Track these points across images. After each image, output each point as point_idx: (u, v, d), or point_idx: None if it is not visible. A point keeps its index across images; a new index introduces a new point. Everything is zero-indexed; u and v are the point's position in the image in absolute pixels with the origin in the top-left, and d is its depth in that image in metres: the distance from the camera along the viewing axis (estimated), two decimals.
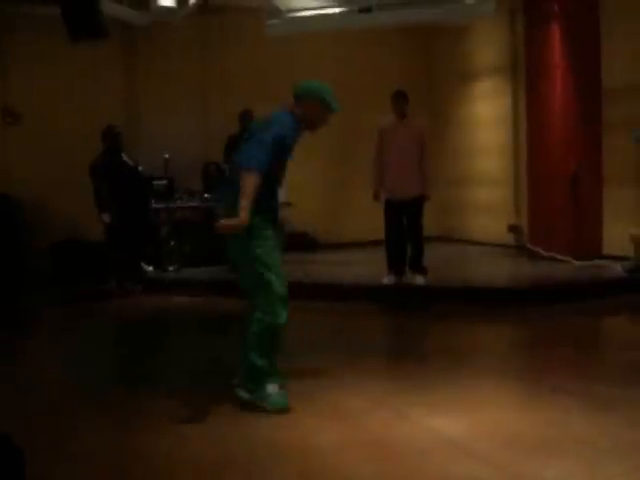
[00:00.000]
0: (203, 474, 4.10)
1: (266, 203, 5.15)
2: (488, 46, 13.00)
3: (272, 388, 5.07)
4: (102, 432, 4.79)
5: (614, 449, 4.21)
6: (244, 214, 4.83)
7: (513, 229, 12.19)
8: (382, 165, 9.16)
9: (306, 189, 12.58)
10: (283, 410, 4.97)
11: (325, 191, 13.34)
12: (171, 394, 5.50)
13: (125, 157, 10.28)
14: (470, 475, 3.92)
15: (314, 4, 10.91)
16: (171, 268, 10.88)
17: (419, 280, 9.16)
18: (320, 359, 5.27)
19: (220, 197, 5.43)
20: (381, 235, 9.39)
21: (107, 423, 4.97)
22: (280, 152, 5.10)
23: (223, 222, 4.88)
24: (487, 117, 13.02)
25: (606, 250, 10.45)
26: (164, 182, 11.35)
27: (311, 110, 5.32)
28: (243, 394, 5.14)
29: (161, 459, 4.33)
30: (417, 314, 8.54)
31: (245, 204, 4.84)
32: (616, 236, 10.15)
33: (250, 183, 4.89)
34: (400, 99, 9.15)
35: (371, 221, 10.19)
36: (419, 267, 9.21)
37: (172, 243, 11.07)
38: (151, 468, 4.21)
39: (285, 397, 5.07)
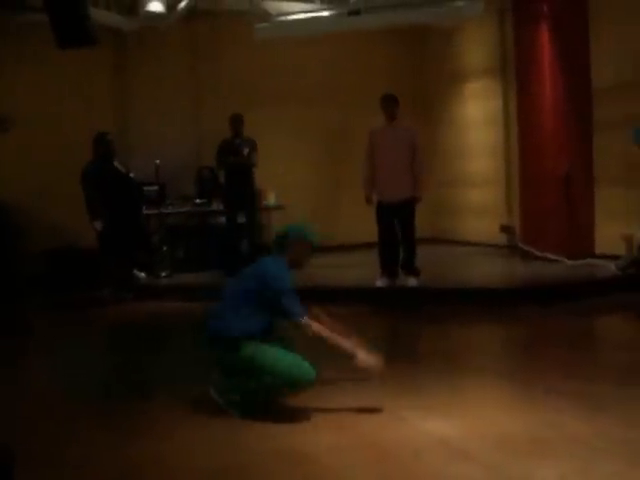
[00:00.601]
0: None
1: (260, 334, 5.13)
2: (477, 47, 13.03)
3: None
4: (96, 439, 4.78)
5: (607, 449, 4.21)
6: (360, 353, 4.98)
7: (505, 229, 12.20)
8: (373, 168, 9.17)
9: (297, 192, 12.59)
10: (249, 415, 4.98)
11: (316, 194, 13.34)
12: (166, 401, 5.49)
13: (117, 164, 10.26)
14: (464, 476, 3.93)
15: (303, 7, 10.94)
16: (163, 274, 10.86)
17: (412, 282, 9.17)
18: (313, 363, 5.25)
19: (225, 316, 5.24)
20: (374, 237, 9.39)
21: (102, 430, 4.95)
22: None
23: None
24: (478, 118, 13.04)
25: (598, 250, 10.47)
26: (155, 188, 11.34)
27: (301, 251, 5.31)
28: (217, 396, 5.14)
29: (156, 466, 4.32)
30: (410, 316, 8.54)
31: (342, 343, 5.01)
32: (608, 235, 10.17)
33: (317, 326, 5.04)
34: (389, 102, 9.16)
35: (363, 223, 10.18)
36: (412, 269, 9.22)
37: (164, 249, 11.06)
38: (145, 476, 4.20)
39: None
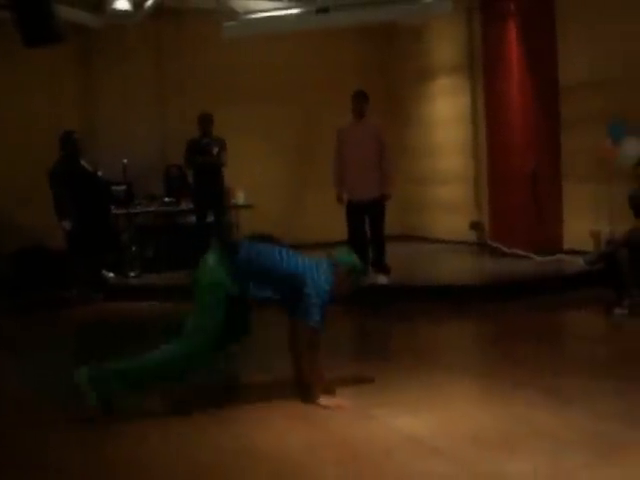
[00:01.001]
0: None
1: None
2: (446, 44, 13.06)
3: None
4: (70, 441, 4.72)
5: (577, 441, 4.23)
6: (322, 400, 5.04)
7: (475, 226, 12.24)
8: (342, 166, 9.15)
9: (266, 190, 12.56)
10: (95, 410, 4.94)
11: (286, 192, 13.33)
12: (137, 401, 5.42)
13: (84, 163, 10.16)
14: (435, 472, 3.92)
15: (271, 6, 10.89)
16: (132, 274, 10.78)
17: (382, 279, 9.17)
18: (284, 361, 5.24)
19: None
20: (343, 236, 9.37)
21: (74, 432, 4.87)
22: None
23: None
24: (446, 115, 13.08)
25: (567, 245, 10.55)
26: (123, 187, 11.25)
27: (345, 284, 5.29)
28: (83, 377, 4.99)
29: (130, 466, 4.27)
30: (380, 313, 8.53)
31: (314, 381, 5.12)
32: (576, 231, 10.25)
33: (314, 345, 5.15)
34: (360, 99, 9.16)
35: (332, 222, 10.16)
36: (382, 266, 9.22)
37: (133, 249, 10.97)
38: (119, 476, 4.16)
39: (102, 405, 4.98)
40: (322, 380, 5.19)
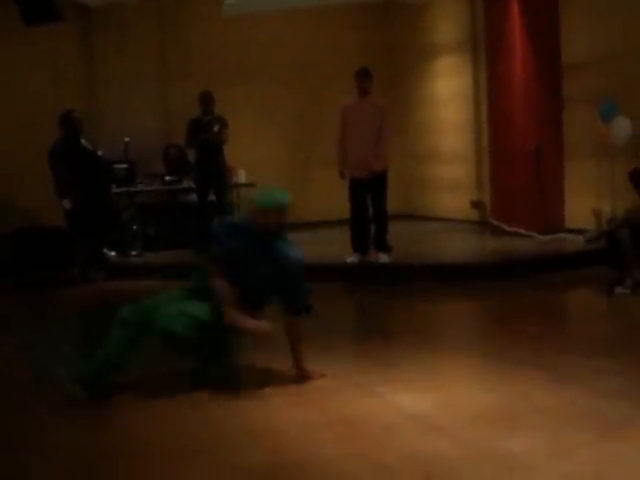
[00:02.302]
0: (170, 459, 4.06)
1: None
2: (448, 22, 12.98)
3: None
4: (69, 420, 4.74)
5: (578, 419, 4.24)
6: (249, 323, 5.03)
7: (476, 205, 12.23)
8: (345, 143, 9.12)
9: (268, 169, 12.51)
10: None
11: (288, 170, 13.27)
12: (136, 380, 5.44)
13: (84, 142, 10.13)
14: (436, 450, 3.93)
15: None
16: (134, 253, 10.78)
17: (383, 258, 9.17)
18: (285, 339, 5.25)
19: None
20: (346, 214, 9.36)
21: (73, 414, 4.88)
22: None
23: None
24: (448, 93, 13.02)
25: (568, 224, 10.54)
26: (125, 166, 11.25)
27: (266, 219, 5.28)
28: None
29: (129, 444, 4.30)
30: (382, 292, 8.54)
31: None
32: (578, 210, 10.22)
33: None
34: (363, 76, 9.11)
35: (335, 200, 10.15)
36: (383, 245, 9.22)
37: (134, 228, 10.97)
38: (118, 453, 4.18)
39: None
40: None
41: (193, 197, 11.09)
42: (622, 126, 9.15)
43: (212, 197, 10.64)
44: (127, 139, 11.04)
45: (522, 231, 10.57)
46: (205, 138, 10.41)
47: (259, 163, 12.25)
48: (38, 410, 4.96)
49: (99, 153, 10.36)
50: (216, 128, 10.47)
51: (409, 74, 13.98)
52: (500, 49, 11.06)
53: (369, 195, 9.13)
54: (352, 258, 9.22)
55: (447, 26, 13.03)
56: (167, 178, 11.68)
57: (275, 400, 4.86)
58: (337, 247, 9.95)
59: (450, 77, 12.95)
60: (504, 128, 11.09)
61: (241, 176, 11.83)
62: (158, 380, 5.42)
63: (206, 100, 10.52)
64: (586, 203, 9.88)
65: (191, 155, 10.95)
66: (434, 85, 13.43)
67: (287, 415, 4.59)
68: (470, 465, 3.75)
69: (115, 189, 10.85)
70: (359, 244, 9.24)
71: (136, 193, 11.32)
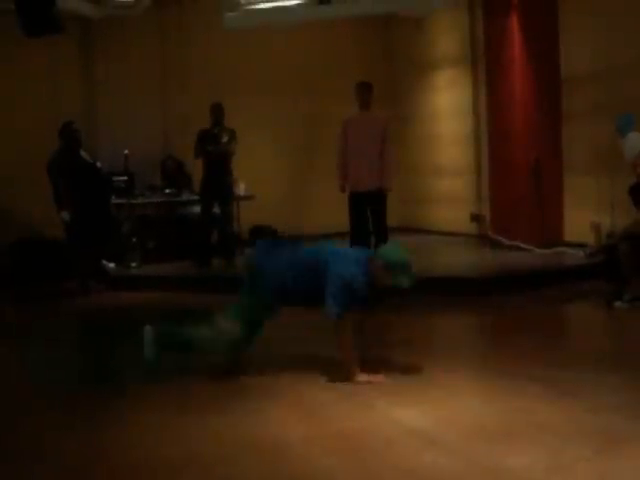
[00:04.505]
0: (167, 471, 4.05)
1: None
2: (448, 36, 13.02)
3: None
4: (67, 430, 4.73)
5: (577, 434, 4.22)
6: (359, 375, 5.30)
7: (475, 218, 12.24)
8: (345, 157, 9.13)
9: (268, 180, 12.55)
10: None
11: (287, 183, 13.30)
12: (136, 389, 5.44)
13: (83, 154, 10.14)
14: (435, 464, 3.92)
15: None
16: (133, 264, 10.78)
17: None
18: (283, 353, 5.25)
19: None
20: (346, 227, 9.36)
21: (72, 422, 4.88)
22: None
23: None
24: (448, 107, 13.05)
25: (567, 238, 10.54)
26: (124, 178, 11.26)
27: (382, 276, 5.38)
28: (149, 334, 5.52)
29: (126, 454, 4.28)
30: (380, 305, 8.50)
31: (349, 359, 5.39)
32: (577, 224, 10.24)
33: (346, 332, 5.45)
34: (364, 90, 9.12)
35: (335, 213, 10.15)
36: None
37: (134, 239, 10.97)
38: (114, 464, 4.16)
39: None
40: (356, 360, 5.35)
41: (192, 209, 11.09)
42: (634, 141, 9.00)
43: (216, 209, 10.63)
44: (126, 151, 11.06)
45: (521, 245, 10.57)
46: (213, 149, 10.43)
47: (259, 175, 12.26)
48: (36, 420, 4.95)
49: (98, 165, 10.39)
50: (225, 139, 10.49)
51: (409, 88, 14.01)
52: (500, 63, 11.09)
53: (369, 209, 9.13)
54: None
55: (447, 40, 13.07)
56: (166, 190, 11.69)
57: (274, 413, 4.85)
58: None
59: (450, 91, 12.99)
60: (504, 142, 11.11)
61: (241, 189, 11.83)
62: (159, 389, 5.41)
63: (217, 111, 10.55)
64: (585, 217, 9.90)
65: (198, 165, 10.93)
66: (434, 99, 13.45)
67: (287, 427, 4.59)
68: None
69: (114, 201, 10.86)
70: None
71: (136, 205, 11.32)
